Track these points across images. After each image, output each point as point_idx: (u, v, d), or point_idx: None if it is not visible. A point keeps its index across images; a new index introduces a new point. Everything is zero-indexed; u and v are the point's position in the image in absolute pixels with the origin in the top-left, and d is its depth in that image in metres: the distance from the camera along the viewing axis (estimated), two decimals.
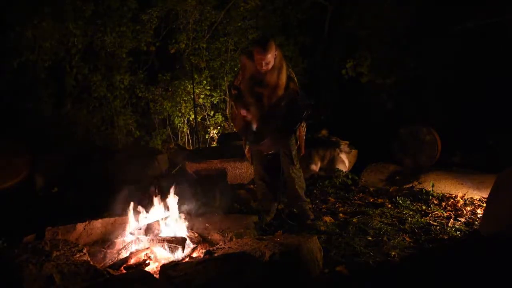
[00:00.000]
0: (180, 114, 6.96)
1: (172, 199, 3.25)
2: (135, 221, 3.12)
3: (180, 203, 3.33)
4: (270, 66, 3.27)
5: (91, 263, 2.53)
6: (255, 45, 3.32)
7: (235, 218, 3.45)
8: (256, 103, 3.33)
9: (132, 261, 2.74)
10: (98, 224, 3.19)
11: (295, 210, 3.77)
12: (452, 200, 4.06)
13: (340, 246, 2.99)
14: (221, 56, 7.08)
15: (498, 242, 2.77)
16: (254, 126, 3.36)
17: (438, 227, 3.35)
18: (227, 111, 7.24)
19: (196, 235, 3.10)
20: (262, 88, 3.32)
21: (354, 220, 3.58)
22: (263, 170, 3.68)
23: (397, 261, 2.75)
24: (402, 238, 3.15)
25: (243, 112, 3.38)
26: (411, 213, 3.78)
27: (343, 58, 6.81)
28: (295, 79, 3.48)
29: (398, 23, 6.22)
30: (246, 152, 3.77)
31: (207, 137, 7.09)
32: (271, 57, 3.22)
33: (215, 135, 7.01)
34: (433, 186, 4.27)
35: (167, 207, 3.24)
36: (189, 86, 6.77)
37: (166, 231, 3.06)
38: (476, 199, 4.02)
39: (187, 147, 7.01)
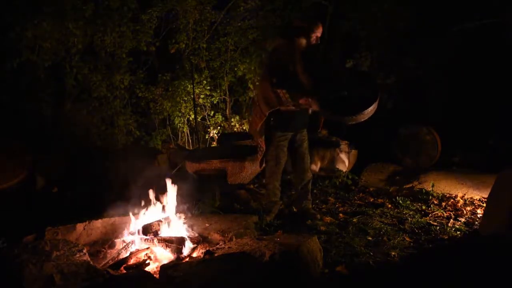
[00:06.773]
0: (180, 114, 6.96)
1: (172, 199, 3.25)
2: (135, 221, 3.13)
3: (180, 203, 3.33)
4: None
5: (91, 263, 2.52)
6: (313, 22, 3.46)
7: (235, 218, 3.45)
8: (312, 82, 3.19)
9: (132, 261, 2.74)
10: (98, 224, 3.19)
11: (295, 210, 3.77)
12: (452, 200, 4.06)
13: (340, 246, 2.99)
14: (221, 56, 7.07)
15: (498, 242, 2.76)
16: (316, 104, 3.13)
17: (438, 227, 3.35)
18: (227, 111, 7.24)
19: (196, 235, 3.10)
20: (316, 64, 3.35)
21: (354, 220, 3.58)
22: (280, 171, 3.67)
23: (397, 261, 2.75)
24: (402, 238, 3.16)
25: (304, 100, 3.22)
26: (411, 213, 3.78)
27: (343, 58, 6.80)
28: None
29: (398, 23, 6.21)
30: (261, 146, 3.65)
31: (207, 137, 7.09)
32: None
33: (215, 135, 7.00)
34: (433, 186, 4.27)
35: (167, 207, 3.24)
36: (189, 86, 6.77)
37: (166, 231, 3.06)
38: (476, 199, 4.02)
39: (187, 147, 7.00)
